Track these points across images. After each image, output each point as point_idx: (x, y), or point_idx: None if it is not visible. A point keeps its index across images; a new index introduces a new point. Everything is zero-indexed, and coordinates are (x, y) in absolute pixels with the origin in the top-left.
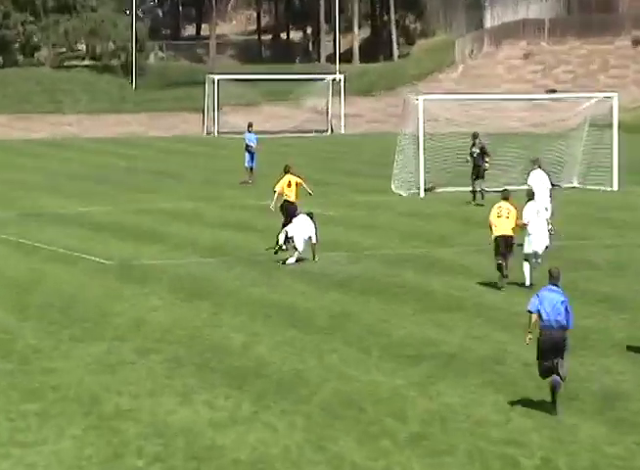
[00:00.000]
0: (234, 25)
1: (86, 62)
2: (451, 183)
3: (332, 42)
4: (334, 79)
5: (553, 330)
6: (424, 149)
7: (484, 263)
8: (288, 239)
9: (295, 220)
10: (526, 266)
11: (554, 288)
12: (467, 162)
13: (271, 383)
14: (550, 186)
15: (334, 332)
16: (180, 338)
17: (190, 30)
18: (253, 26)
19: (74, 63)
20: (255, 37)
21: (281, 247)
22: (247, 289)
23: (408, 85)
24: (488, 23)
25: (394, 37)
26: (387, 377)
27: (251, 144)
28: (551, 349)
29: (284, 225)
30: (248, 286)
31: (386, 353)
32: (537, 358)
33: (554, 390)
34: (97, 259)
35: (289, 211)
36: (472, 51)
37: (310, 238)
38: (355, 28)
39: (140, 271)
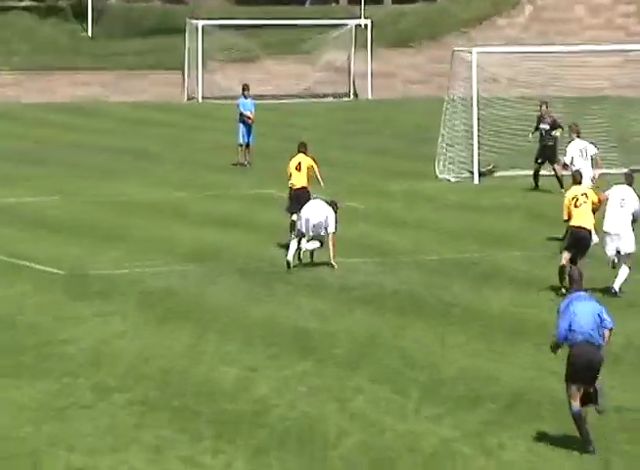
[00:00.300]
0: None
1: (25, 2)
2: (517, 164)
3: None
4: (358, 25)
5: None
6: (479, 119)
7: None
8: (295, 231)
9: (306, 206)
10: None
11: (583, 294)
12: (528, 141)
13: (274, 434)
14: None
15: (359, 365)
16: (152, 373)
17: None
18: None
19: (10, 3)
20: None
21: (289, 264)
22: (241, 306)
23: (458, 34)
24: None
25: None
26: (430, 426)
27: (247, 113)
28: (585, 369)
29: (292, 226)
30: (242, 303)
31: (429, 394)
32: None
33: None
34: (40, 268)
35: (298, 201)
36: None
37: (326, 230)
38: None
39: (98, 284)
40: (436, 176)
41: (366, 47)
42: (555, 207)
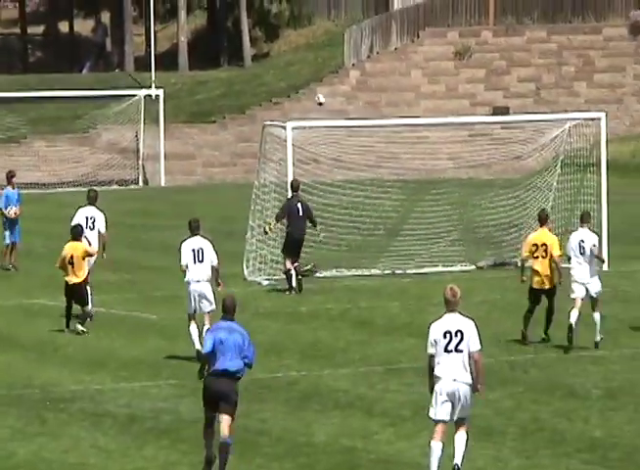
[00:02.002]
0: None
1: None
2: (341, 264)
3: (143, 37)
4: (148, 96)
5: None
6: None
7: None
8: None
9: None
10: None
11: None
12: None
13: None
14: None
15: None
16: None
17: None
18: (14, 14)
19: None
20: (18, 30)
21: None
22: (2, 444)
23: (269, 106)
24: (398, 2)
25: (246, 28)
26: None
27: (12, 209)
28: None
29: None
30: (4, 440)
31: None
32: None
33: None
34: None
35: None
36: (371, 48)
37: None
38: (182, 15)
39: None
40: (245, 278)
41: (158, 123)
42: (385, 311)
